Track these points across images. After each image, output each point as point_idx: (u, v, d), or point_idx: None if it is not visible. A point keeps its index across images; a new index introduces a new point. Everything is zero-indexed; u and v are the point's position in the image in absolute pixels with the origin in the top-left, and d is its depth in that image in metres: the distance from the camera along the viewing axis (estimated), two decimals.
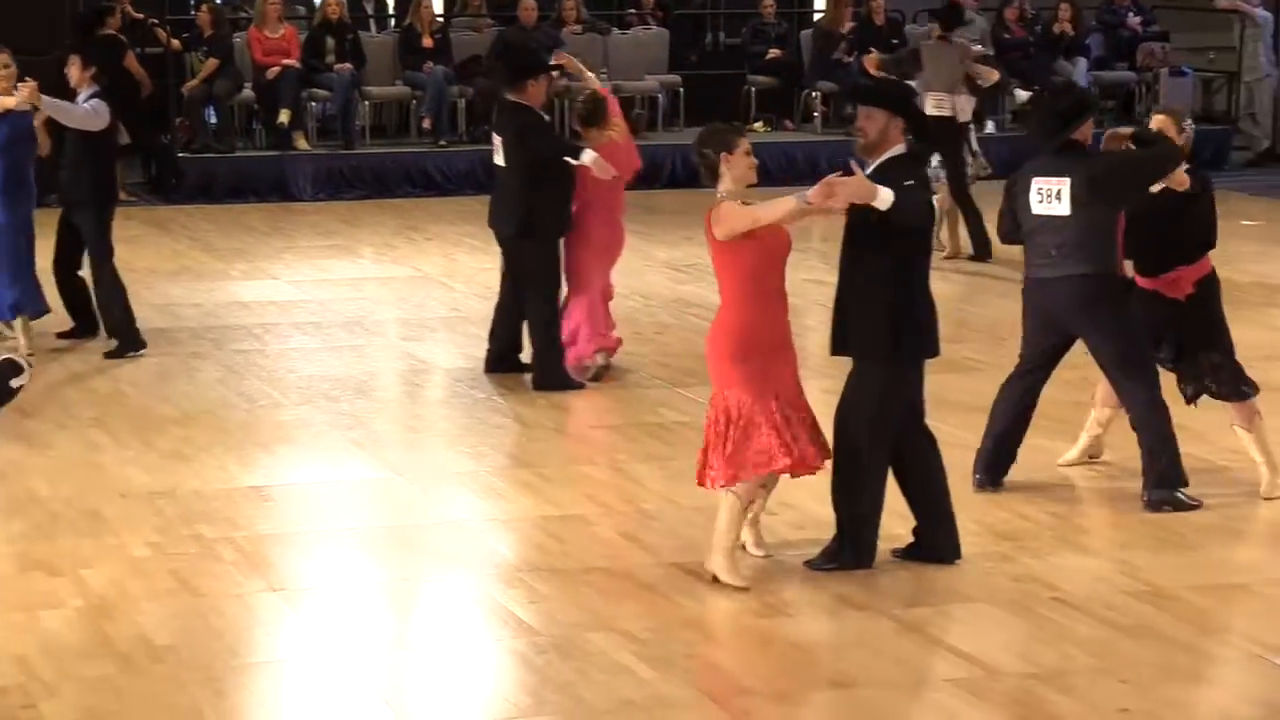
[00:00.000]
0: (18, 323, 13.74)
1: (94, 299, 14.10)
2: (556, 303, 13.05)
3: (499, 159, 13.13)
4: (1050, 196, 10.30)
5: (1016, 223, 10.52)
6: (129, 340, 13.84)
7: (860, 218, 9.07)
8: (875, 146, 9.19)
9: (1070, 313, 10.38)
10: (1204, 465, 10.83)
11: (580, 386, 12.92)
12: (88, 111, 13.58)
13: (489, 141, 21.99)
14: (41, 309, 13.90)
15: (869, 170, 9.07)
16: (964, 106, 17.43)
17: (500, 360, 13.31)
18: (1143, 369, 10.47)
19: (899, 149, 9.20)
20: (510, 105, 13.15)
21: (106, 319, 14.02)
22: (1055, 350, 10.62)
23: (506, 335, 13.34)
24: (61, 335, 14.17)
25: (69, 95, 13.75)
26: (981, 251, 17.59)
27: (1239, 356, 10.93)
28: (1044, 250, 10.36)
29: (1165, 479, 10.40)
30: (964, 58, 17.60)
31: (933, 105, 16.92)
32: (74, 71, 13.70)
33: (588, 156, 12.64)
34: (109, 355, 13.74)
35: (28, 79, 13.48)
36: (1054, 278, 10.36)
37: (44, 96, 13.40)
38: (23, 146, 13.58)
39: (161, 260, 17.26)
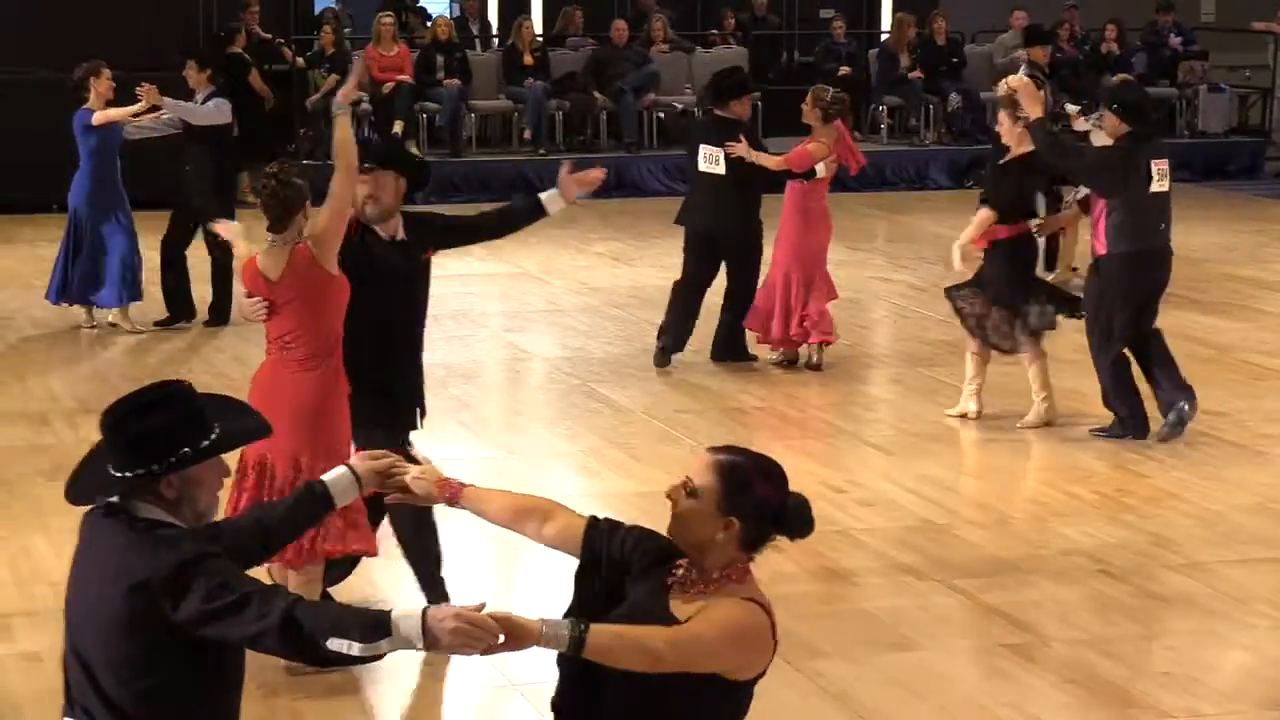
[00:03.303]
0: (115, 311, 14.10)
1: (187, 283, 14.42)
2: None
3: (708, 166, 12.95)
4: (1164, 176, 10.79)
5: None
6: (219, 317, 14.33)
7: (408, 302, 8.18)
8: (390, 210, 7.98)
9: (1165, 280, 11.05)
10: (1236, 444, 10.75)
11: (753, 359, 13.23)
12: (211, 109, 13.78)
13: (584, 150, 22.13)
14: (119, 299, 14.13)
15: (401, 237, 8.00)
16: None
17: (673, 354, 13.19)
18: None
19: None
20: (718, 119, 13.13)
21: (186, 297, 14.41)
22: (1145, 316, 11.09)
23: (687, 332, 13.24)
24: (159, 324, 14.30)
25: (188, 98, 13.94)
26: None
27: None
28: (1154, 225, 10.83)
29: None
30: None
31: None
32: (191, 75, 13.88)
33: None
34: (159, 323, 14.25)
35: (144, 84, 13.62)
36: (1162, 249, 10.91)
37: (165, 98, 13.58)
38: (112, 153, 13.78)
39: None
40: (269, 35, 21.79)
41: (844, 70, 23.46)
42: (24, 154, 18.94)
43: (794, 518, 4.53)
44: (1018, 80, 11.36)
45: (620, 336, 14.01)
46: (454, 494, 4.89)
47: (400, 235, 8.02)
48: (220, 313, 14.34)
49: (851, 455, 11.05)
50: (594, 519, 4.72)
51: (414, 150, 21.30)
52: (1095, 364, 11.20)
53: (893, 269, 17.17)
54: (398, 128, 21.25)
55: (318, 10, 24.45)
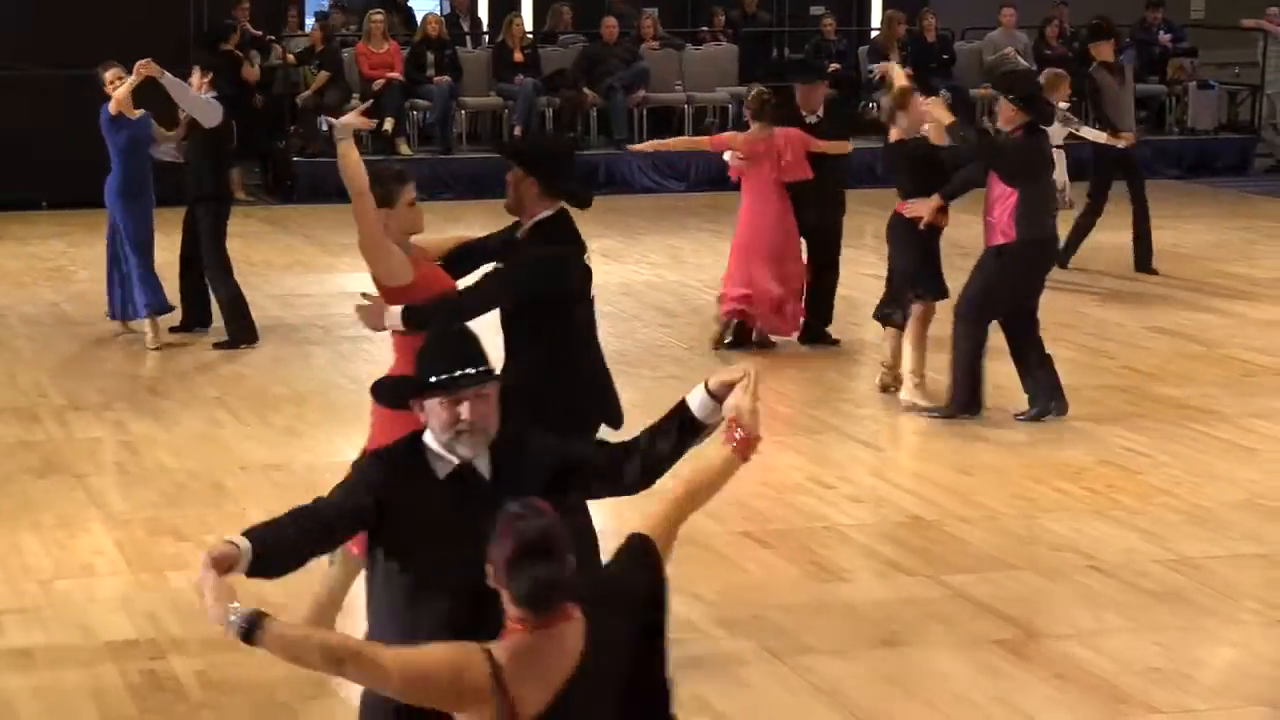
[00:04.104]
0: (146, 320, 13.60)
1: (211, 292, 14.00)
2: None
3: None
4: (1056, 163, 11.73)
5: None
6: (240, 332, 13.70)
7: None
8: (515, 208, 7.60)
9: (1053, 265, 11.90)
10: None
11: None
12: (205, 100, 13.50)
13: (574, 147, 21.96)
14: (166, 306, 13.70)
15: (522, 236, 7.54)
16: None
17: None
18: None
19: (548, 211, 7.55)
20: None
21: (222, 309, 13.84)
22: None
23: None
24: (174, 329, 13.93)
25: None
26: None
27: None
28: (1051, 212, 11.50)
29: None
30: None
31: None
32: (195, 79, 13.71)
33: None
34: (218, 345, 13.61)
35: (142, 60, 13.44)
36: (1054, 235, 11.64)
37: (166, 73, 13.35)
38: (141, 152, 13.56)
39: (277, 255, 17.34)
40: (259, 32, 21.78)
41: (834, 67, 23.47)
42: (14, 152, 18.95)
43: (517, 587, 4.30)
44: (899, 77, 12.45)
45: (611, 333, 13.96)
46: (729, 444, 4.94)
47: (523, 235, 7.62)
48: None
49: (841, 451, 11.05)
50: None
51: (405, 149, 21.33)
52: (958, 343, 11.48)
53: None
54: (388, 125, 21.24)
55: (308, 10, 24.45)
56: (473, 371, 4.91)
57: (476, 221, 19.63)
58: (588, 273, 7.76)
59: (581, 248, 7.68)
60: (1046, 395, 11.48)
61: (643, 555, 4.71)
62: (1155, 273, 16.56)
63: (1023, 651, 7.91)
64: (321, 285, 16.19)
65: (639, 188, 21.67)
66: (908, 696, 7.52)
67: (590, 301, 7.85)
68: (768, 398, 12.31)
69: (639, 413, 11.75)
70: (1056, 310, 15.22)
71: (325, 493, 5.00)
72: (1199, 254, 17.64)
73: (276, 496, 9.93)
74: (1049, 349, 12.33)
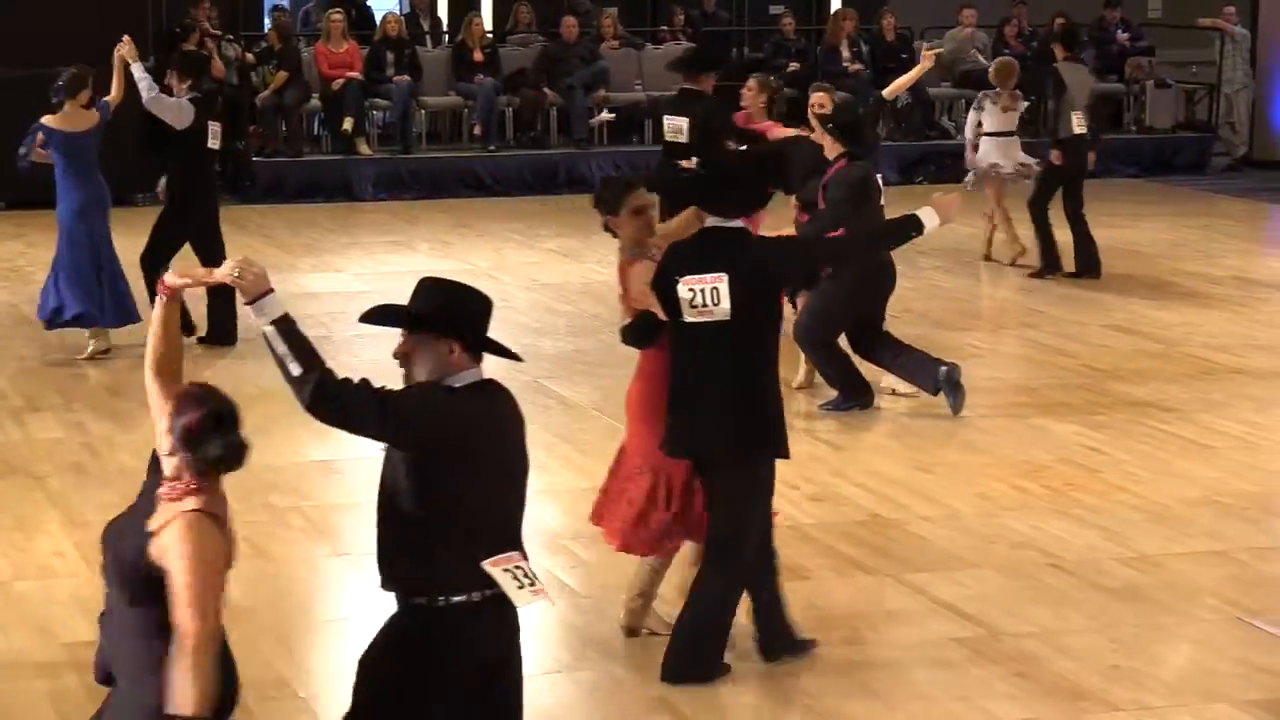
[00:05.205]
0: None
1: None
2: None
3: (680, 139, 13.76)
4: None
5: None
6: (222, 334, 13.61)
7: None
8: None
9: (894, 285, 11.89)
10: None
11: None
12: (175, 102, 13.22)
13: (533, 146, 22.08)
14: (92, 316, 13.18)
15: None
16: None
17: None
18: None
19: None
20: (689, 92, 13.99)
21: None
22: None
23: None
24: (201, 340, 13.61)
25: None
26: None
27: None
28: None
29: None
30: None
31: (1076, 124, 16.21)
32: (173, 82, 13.47)
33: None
34: (201, 340, 13.55)
35: (124, 37, 13.20)
36: (891, 257, 11.50)
37: (138, 64, 13.07)
38: (73, 149, 13.00)
39: (237, 254, 17.25)
40: (217, 32, 21.70)
41: (793, 66, 23.48)
42: None
43: (209, 451, 5.37)
44: None
45: (570, 332, 13.97)
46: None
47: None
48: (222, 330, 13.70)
49: (801, 450, 11.00)
50: None
51: (365, 148, 21.29)
52: (815, 356, 11.91)
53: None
54: (348, 125, 21.21)
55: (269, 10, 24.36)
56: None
57: (437, 222, 19.67)
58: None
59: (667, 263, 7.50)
60: (930, 370, 11.69)
61: None
62: (1089, 276, 16.39)
63: (983, 650, 7.93)
64: (282, 285, 15.83)
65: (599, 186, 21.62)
66: (868, 695, 7.53)
67: (681, 323, 7.47)
68: None
69: (599, 411, 11.80)
70: (1015, 310, 15.28)
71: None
72: (1157, 252, 17.70)
73: (239, 498, 9.87)
74: (1007, 348, 12.39)
